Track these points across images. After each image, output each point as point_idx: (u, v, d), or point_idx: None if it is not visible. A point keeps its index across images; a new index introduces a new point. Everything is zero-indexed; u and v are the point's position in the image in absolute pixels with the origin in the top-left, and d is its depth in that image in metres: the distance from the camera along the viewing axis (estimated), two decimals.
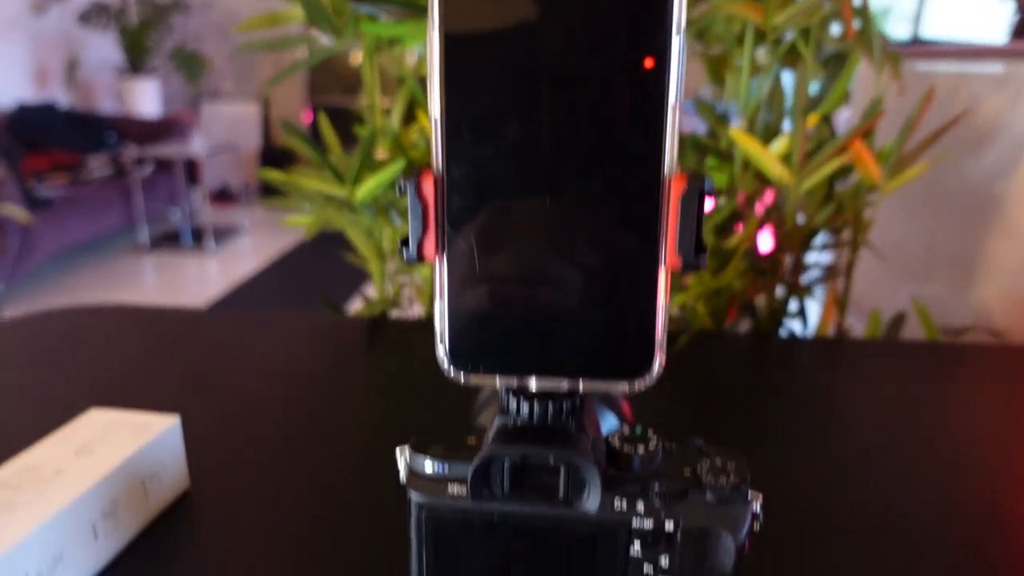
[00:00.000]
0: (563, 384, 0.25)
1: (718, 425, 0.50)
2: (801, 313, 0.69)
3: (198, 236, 3.79)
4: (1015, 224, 0.73)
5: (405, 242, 0.24)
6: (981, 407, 0.54)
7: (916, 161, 0.63)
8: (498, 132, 0.23)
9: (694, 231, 0.23)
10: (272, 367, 0.59)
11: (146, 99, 4.50)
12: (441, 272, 0.24)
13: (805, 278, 0.70)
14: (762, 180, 0.63)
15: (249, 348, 0.63)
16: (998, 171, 0.74)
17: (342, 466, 0.44)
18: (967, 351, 0.64)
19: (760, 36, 0.59)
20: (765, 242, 0.67)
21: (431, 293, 0.69)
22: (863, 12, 0.61)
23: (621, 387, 0.24)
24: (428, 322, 0.68)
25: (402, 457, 0.30)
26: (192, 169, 3.96)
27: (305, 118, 4.64)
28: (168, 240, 3.78)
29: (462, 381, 0.25)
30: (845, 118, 0.93)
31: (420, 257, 0.24)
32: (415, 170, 0.24)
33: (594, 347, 0.24)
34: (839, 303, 0.69)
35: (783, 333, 0.70)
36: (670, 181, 0.22)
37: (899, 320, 0.69)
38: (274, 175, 0.64)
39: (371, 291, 0.75)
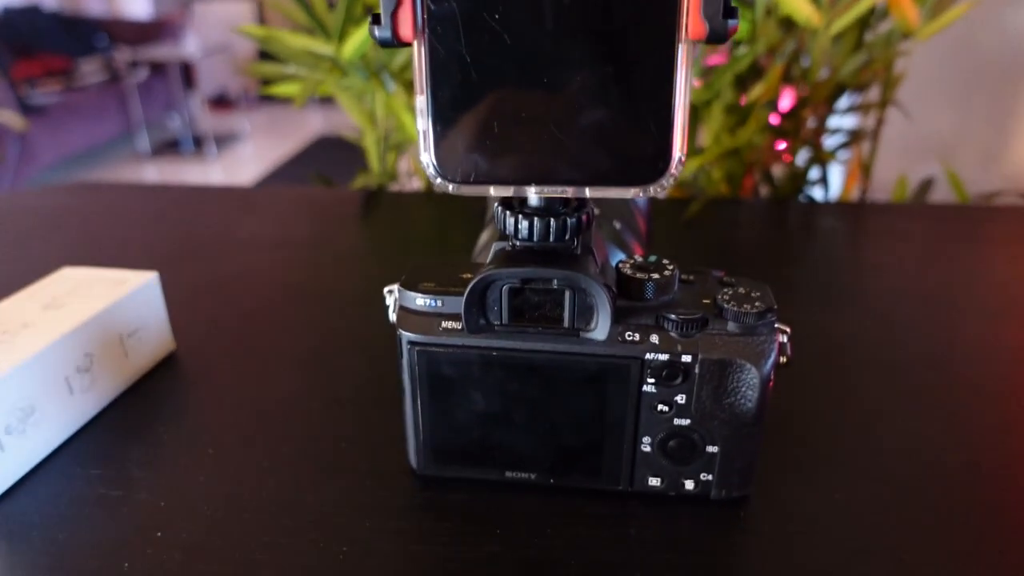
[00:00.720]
0: (566, 192, 0.21)
1: None
2: (823, 180, 0.65)
3: (199, 143, 3.71)
4: None
5: (377, 19, 0.20)
6: (1013, 265, 0.50)
7: (957, 2, 0.57)
8: None
9: None
10: (261, 237, 0.56)
11: None
12: (420, 56, 0.20)
13: (829, 142, 0.66)
14: (787, 28, 0.58)
15: (239, 220, 0.60)
16: None
17: (331, 327, 0.42)
18: (997, 213, 0.60)
19: None
20: (784, 102, 0.62)
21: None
22: None
23: (633, 192, 0.21)
24: (427, 194, 0.64)
25: (391, 295, 0.27)
26: (188, 73, 3.84)
27: None
28: (168, 147, 3.71)
29: (450, 190, 0.21)
30: None
31: (395, 36, 0.20)
32: None
33: (602, 145, 0.20)
34: (864, 168, 0.64)
35: (805, 197, 0.66)
36: None
37: (927, 185, 0.65)
38: (255, 31, 0.59)
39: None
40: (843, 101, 0.66)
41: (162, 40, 3.82)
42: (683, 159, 0.20)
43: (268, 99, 4.49)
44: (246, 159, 3.61)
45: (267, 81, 0.67)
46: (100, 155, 3.52)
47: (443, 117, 0.21)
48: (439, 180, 0.21)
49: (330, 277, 0.49)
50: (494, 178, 0.21)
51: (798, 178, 0.64)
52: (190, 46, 3.71)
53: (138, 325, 0.36)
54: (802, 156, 0.66)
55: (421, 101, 0.21)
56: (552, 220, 0.22)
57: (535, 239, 0.22)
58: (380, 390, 0.35)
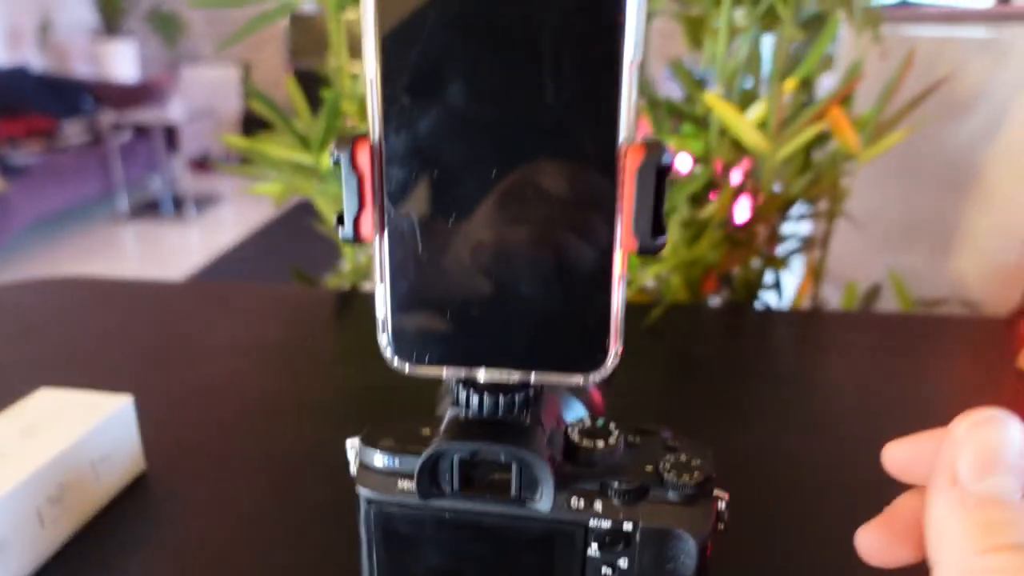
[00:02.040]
0: (513, 376, 0.23)
1: (690, 400, 0.50)
2: (776, 285, 0.69)
3: (179, 204, 3.73)
4: (993, 194, 0.72)
5: (341, 219, 0.23)
6: (954, 380, 0.53)
7: (895, 128, 0.62)
8: (439, 95, 0.21)
9: (652, 209, 0.21)
10: (236, 341, 0.57)
11: (122, 62, 4.39)
12: (381, 253, 0.23)
13: (781, 249, 0.70)
14: (738, 148, 0.62)
15: (215, 321, 0.61)
16: (978, 139, 0.73)
17: (303, 444, 0.43)
18: (941, 323, 0.63)
19: None
20: (742, 212, 0.66)
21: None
22: None
23: (575, 379, 0.23)
24: None
25: (352, 450, 0.29)
26: (171, 135, 3.88)
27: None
28: (148, 209, 3.73)
29: (406, 371, 0.24)
30: (828, 83, 0.91)
31: (357, 236, 0.22)
32: (349, 138, 0.22)
33: (545, 338, 0.22)
34: (815, 274, 0.68)
35: (759, 305, 0.69)
36: (626, 151, 0.21)
37: (874, 292, 0.68)
38: (238, 142, 0.62)
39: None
40: (796, 208, 0.70)
41: (148, 103, 3.88)
42: (619, 351, 0.23)
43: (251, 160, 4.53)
44: (226, 222, 3.63)
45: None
46: (79, 216, 3.52)
47: (400, 305, 0.23)
48: (396, 360, 0.23)
49: (303, 386, 0.51)
50: (446, 360, 0.23)
51: (753, 284, 0.67)
52: (175, 110, 3.77)
53: (111, 450, 0.37)
54: (758, 260, 0.69)
55: (380, 290, 0.23)
56: (501, 396, 0.24)
57: (485, 413, 0.24)
58: (347, 517, 0.36)
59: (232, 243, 3.26)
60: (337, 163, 0.22)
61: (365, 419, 0.41)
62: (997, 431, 0.18)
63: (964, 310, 0.71)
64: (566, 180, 0.21)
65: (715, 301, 0.70)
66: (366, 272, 0.71)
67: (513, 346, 0.23)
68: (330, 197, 0.65)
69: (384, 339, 0.23)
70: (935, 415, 0.47)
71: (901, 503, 0.24)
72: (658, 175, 0.20)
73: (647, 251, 0.21)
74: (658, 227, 0.21)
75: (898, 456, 0.24)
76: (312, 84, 0.70)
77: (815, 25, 0.60)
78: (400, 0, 0.21)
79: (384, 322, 0.23)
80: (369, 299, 0.66)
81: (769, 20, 0.58)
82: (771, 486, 0.39)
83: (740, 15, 0.59)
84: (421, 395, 0.47)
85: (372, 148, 0.22)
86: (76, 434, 0.35)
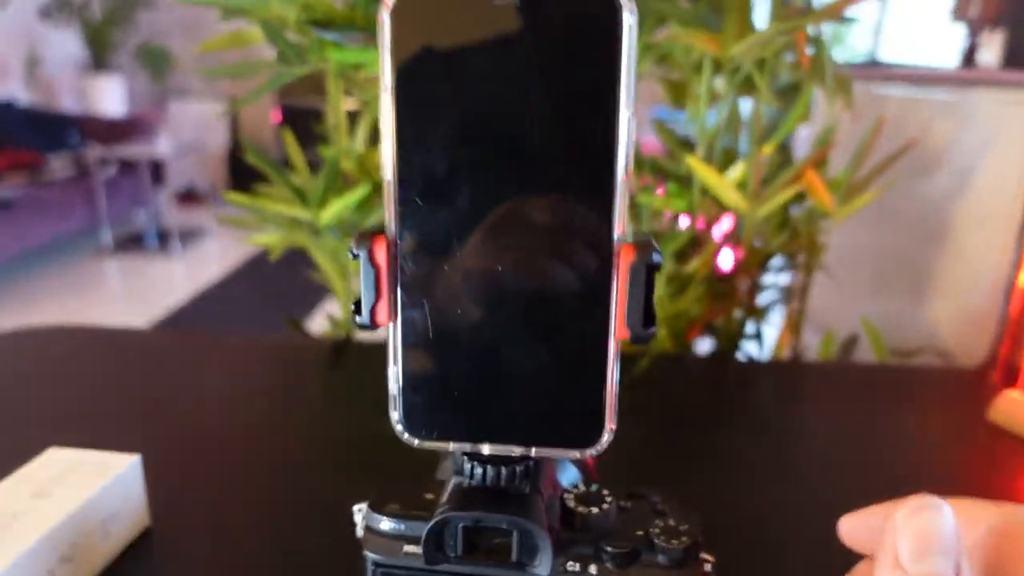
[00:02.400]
0: (514, 451, 0.25)
1: (674, 452, 0.52)
2: (758, 336, 0.71)
3: (163, 238, 3.73)
4: (962, 247, 0.75)
5: (358, 307, 0.25)
6: (927, 432, 0.56)
7: (868, 187, 0.65)
8: (449, 197, 0.24)
9: (642, 302, 0.23)
10: (233, 391, 0.59)
11: (110, 97, 4.41)
12: (395, 337, 0.25)
13: (762, 300, 0.72)
14: (720, 205, 0.65)
15: (211, 372, 0.63)
16: (947, 195, 0.77)
17: (303, 496, 0.45)
18: (914, 374, 0.66)
19: (717, 66, 0.61)
20: (726, 260, 0.69)
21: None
22: (817, 41, 0.63)
23: (572, 455, 0.25)
24: None
25: (359, 514, 0.30)
26: (157, 169, 3.90)
27: (274, 117, 4.59)
28: (132, 242, 3.72)
29: (415, 445, 0.25)
30: (805, 135, 0.95)
31: (373, 323, 0.24)
32: (367, 235, 0.24)
33: (545, 416, 0.24)
34: (794, 325, 0.71)
35: (743, 354, 0.72)
36: (619, 250, 0.23)
37: (851, 343, 0.71)
38: (239, 199, 0.64)
39: (338, 305, 0.75)
40: (775, 261, 0.73)
41: (135, 138, 3.90)
42: (614, 430, 0.25)
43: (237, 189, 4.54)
44: (211, 256, 3.62)
45: (237, 180, 0.69)
46: (63, 249, 3.50)
47: (411, 384, 0.25)
48: (406, 435, 0.25)
49: (301, 437, 0.52)
50: (453, 436, 0.25)
51: (735, 334, 0.70)
52: (162, 144, 3.79)
53: (119, 508, 0.39)
54: (739, 312, 0.72)
55: (393, 371, 0.25)
56: (503, 468, 0.26)
57: (488, 483, 0.26)
58: (351, 570, 0.38)
59: (217, 277, 3.25)
60: (356, 257, 0.24)
61: (366, 470, 0.43)
62: (932, 518, 0.21)
63: (938, 360, 0.74)
64: (564, 276, 0.23)
65: (702, 346, 0.72)
66: None
67: (516, 424, 0.25)
68: (327, 251, 0.67)
69: (395, 416, 0.25)
70: (909, 468, 0.50)
71: (859, 570, 0.26)
72: (648, 272, 0.23)
73: (638, 340, 0.24)
74: (648, 318, 0.23)
75: (851, 528, 0.26)
76: (300, 120, 0.71)
77: (790, 93, 0.63)
78: (416, 115, 0.23)
79: (395, 400, 0.25)
80: (364, 348, 0.68)
81: (746, 88, 0.61)
82: (753, 539, 0.41)
83: (719, 82, 0.62)
84: (419, 450, 0.49)
85: (388, 244, 0.24)
86: (87, 494, 0.36)
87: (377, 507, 0.28)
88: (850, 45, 3.15)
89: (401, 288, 0.24)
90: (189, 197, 4.51)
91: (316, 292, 2.50)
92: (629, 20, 0.21)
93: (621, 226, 0.23)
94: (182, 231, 3.79)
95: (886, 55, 2.90)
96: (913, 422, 0.57)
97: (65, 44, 4.36)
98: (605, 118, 0.22)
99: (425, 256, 0.24)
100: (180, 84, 4.83)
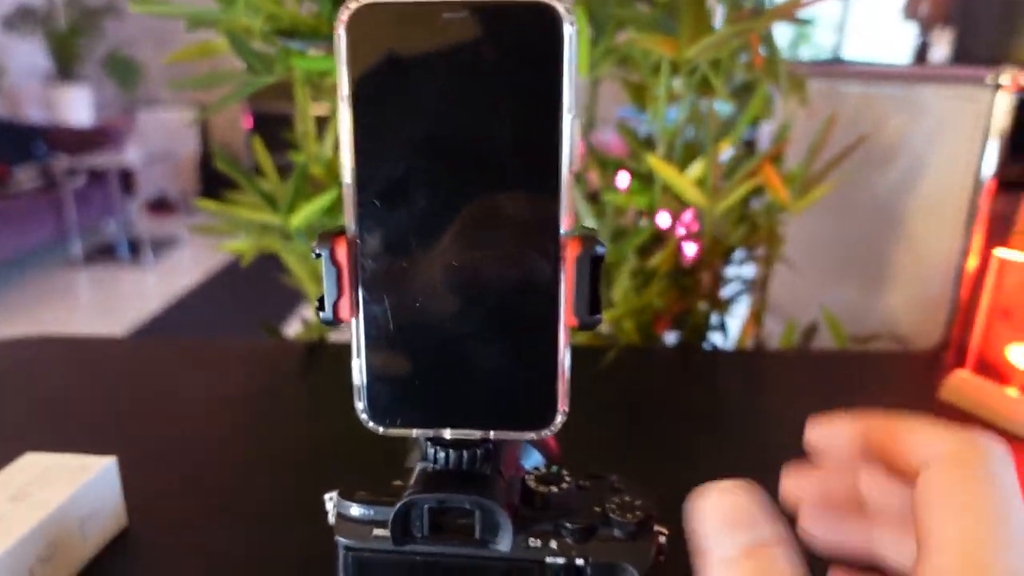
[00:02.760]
0: (474, 435, 0.27)
1: (641, 440, 0.54)
2: (722, 327, 0.73)
3: (135, 248, 3.69)
4: (915, 236, 0.78)
5: (322, 303, 0.26)
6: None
7: (824, 180, 0.68)
8: (406, 198, 0.25)
9: (588, 292, 0.25)
10: (209, 395, 0.59)
11: (77, 107, 4.36)
12: (357, 331, 0.26)
13: (726, 292, 0.75)
14: (682, 202, 0.67)
15: (187, 376, 0.63)
16: (900, 187, 0.80)
17: (278, 495, 0.46)
18: (871, 359, 0.68)
19: (675, 67, 0.63)
20: (690, 249, 0.71)
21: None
22: (769, 42, 0.65)
23: (528, 436, 0.27)
24: None
25: (330, 502, 0.32)
26: (127, 178, 3.85)
27: (245, 123, 4.56)
28: (103, 253, 3.68)
29: (380, 432, 0.27)
30: (769, 132, 0.97)
31: (336, 318, 0.26)
32: (328, 235, 0.25)
33: (501, 400, 0.26)
34: (756, 316, 0.73)
35: (707, 345, 0.74)
36: (566, 243, 0.25)
37: (811, 331, 0.74)
38: (210, 206, 0.65)
39: (311, 309, 0.76)
40: (738, 253, 0.75)
41: (103, 147, 3.85)
42: (566, 412, 0.26)
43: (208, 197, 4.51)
44: (184, 265, 3.59)
45: (209, 188, 0.70)
46: (32, 261, 3.45)
47: (374, 376, 0.26)
48: (371, 423, 0.27)
49: (276, 438, 0.53)
50: (416, 423, 0.27)
51: (700, 326, 0.72)
52: (132, 154, 3.75)
53: (96, 509, 0.39)
54: (704, 304, 0.74)
55: (356, 363, 0.26)
56: (464, 451, 0.28)
57: (450, 466, 0.28)
58: (326, 565, 0.39)
59: (191, 286, 3.23)
60: (318, 256, 0.26)
61: (337, 468, 0.45)
62: (723, 500, 0.21)
63: (894, 345, 0.76)
64: (515, 269, 0.25)
65: (669, 339, 0.74)
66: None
67: (474, 409, 0.26)
68: (298, 255, 0.68)
69: (360, 406, 0.26)
70: None
71: None
72: (593, 263, 0.24)
73: (585, 327, 0.25)
74: (595, 307, 0.25)
75: (820, 436, 0.27)
76: (272, 125, 0.72)
77: (746, 92, 0.65)
78: (371, 120, 0.24)
79: (360, 391, 0.26)
80: (337, 350, 0.69)
81: (704, 88, 0.63)
82: None
83: (678, 83, 0.64)
84: (389, 444, 0.50)
85: (348, 243, 0.25)
86: (63, 496, 0.37)
87: (347, 494, 0.30)
88: (816, 43, 3.22)
89: (362, 285, 0.26)
90: (160, 206, 4.46)
91: (292, 298, 2.50)
92: (569, 31, 0.23)
93: (568, 221, 0.25)
94: (154, 240, 3.76)
95: (849, 53, 2.96)
96: (871, 405, 0.59)
97: (30, 55, 4.29)
98: (550, 122, 0.24)
99: (384, 254, 0.25)
100: (149, 93, 4.78)
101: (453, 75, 0.24)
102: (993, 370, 0.59)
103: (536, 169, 0.24)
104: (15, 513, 0.36)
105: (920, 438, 0.22)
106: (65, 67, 4.34)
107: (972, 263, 0.70)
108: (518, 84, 0.24)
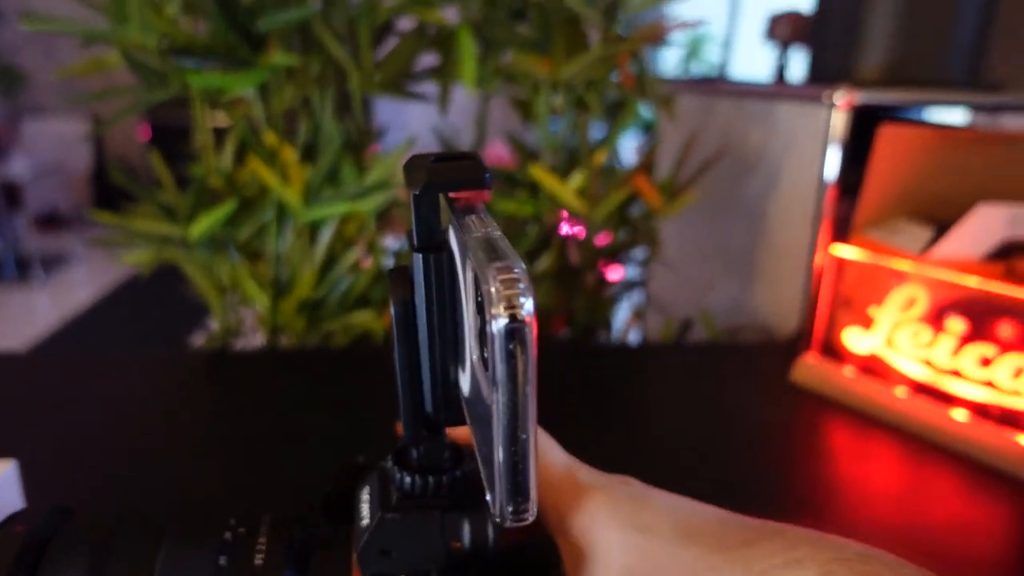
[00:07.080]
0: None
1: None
2: (607, 324, 0.80)
3: (23, 266, 3.49)
4: (774, 237, 0.87)
5: None
6: (743, 395, 0.65)
7: (692, 188, 0.75)
8: None
9: None
10: (112, 405, 0.60)
11: None
12: None
13: (610, 292, 0.81)
14: (565, 208, 0.73)
15: (91, 388, 0.64)
16: (761, 193, 0.89)
17: (175, 497, 0.48)
18: (737, 350, 0.76)
19: (554, 85, 0.69)
20: (574, 255, 0.77)
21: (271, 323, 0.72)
22: (639, 62, 0.72)
23: None
24: (270, 351, 0.72)
25: None
26: (13, 192, 3.64)
27: (142, 135, 4.39)
28: None
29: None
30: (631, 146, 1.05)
31: None
32: None
33: None
34: (638, 313, 0.80)
35: (594, 340, 0.80)
36: None
37: (686, 325, 0.81)
38: (107, 218, 0.66)
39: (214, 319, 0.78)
40: (621, 256, 0.81)
41: None
42: None
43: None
44: (78, 283, 3.43)
45: (103, 202, 0.70)
46: None
47: None
48: None
49: (180, 443, 0.55)
50: None
51: (587, 324, 0.78)
52: (17, 166, 3.55)
53: None
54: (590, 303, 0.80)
55: None
56: None
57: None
58: None
59: (87, 303, 3.08)
60: None
61: (238, 471, 0.47)
62: None
63: (759, 336, 0.85)
64: None
65: (563, 333, 0.80)
66: (236, 331, 0.76)
67: None
68: (199, 265, 0.70)
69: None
70: (730, 426, 0.59)
71: None
72: None
73: None
74: None
75: None
76: (170, 136, 0.73)
77: (619, 109, 0.72)
78: None
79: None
80: (239, 358, 0.71)
81: (581, 105, 0.69)
82: None
83: (559, 99, 0.70)
84: (290, 445, 0.53)
85: None
86: None
87: None
88: (706, 60, 3.41)
89: None
90: (51, 221, 4.22)
91: (195, 310, 2.43)
92: None
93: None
94: (44, 257, 3.56)
95: (735, 69, 3.16)
96: (735, 389, 0.66)
97: None
98: None
99: None
100: (34, 102, 4.53)
101: None
102: (836, 353, 0.68)
103: None
104: None
105: None
106: None
107: (819, 259, 0.78)
108: None
